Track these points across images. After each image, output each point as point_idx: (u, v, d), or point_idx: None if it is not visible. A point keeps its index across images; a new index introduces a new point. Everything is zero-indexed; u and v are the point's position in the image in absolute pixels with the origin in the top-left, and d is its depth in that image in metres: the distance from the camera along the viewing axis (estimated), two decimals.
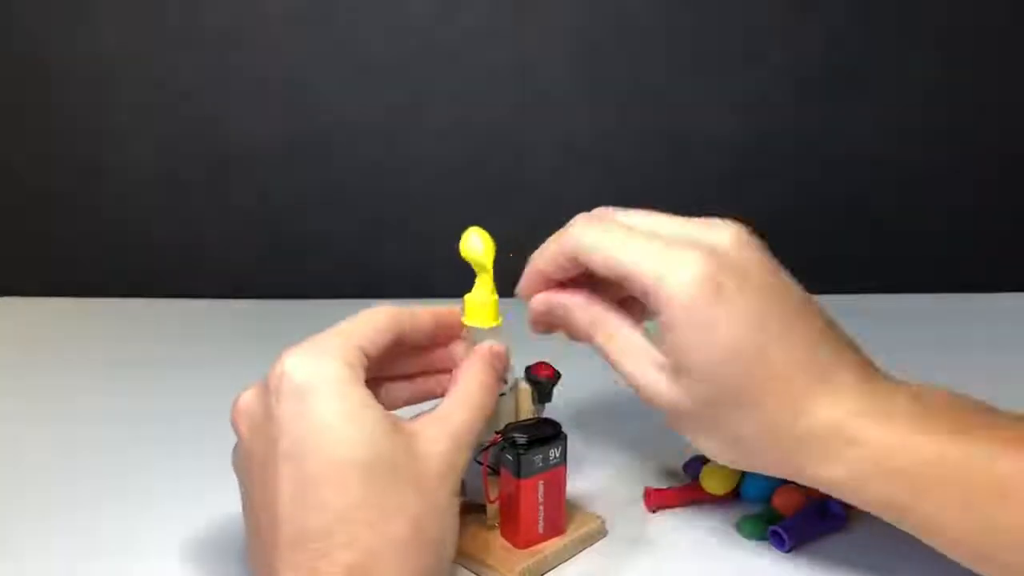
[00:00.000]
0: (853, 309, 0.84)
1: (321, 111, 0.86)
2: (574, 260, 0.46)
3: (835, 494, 0.44)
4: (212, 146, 0.88)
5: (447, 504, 0.41)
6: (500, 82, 0.86)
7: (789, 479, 0.45)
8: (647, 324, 0.48)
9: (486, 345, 0.47)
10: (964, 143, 0.88)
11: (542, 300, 0.49)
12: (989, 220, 0.90)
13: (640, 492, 0.54)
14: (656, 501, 0.53)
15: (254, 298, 0.88)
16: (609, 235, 0.45)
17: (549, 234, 0.48)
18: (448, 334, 0.49)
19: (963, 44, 0.85)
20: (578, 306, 0.48)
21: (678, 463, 0.57)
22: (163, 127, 0.87)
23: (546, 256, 0.48)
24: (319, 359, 0.40)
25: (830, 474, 0.43)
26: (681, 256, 0.43)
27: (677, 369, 0.44)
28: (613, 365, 0.47)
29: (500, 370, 0.47)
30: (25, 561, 0.49)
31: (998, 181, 0.89)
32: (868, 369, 0.45)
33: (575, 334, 0.49)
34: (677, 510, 0.53)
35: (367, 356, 0.42)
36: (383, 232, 0.89)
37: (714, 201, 0.90)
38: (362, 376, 0.41)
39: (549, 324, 0.50)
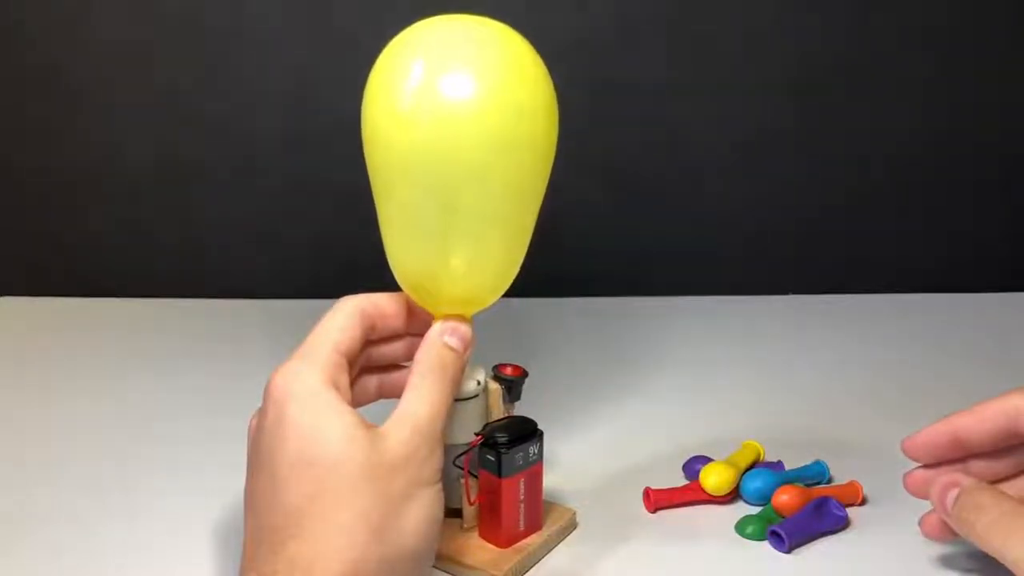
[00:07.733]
0: (853, 309, 0.85)
1: (321, 110, 0.86)
2: None
3: None
4: (212, 146, 0.87)
5: (401, 493, 0.41)
6: None
7: None
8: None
9: (437, 326, 0.46)
10: (964, 143, 0.88)
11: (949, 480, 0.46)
12: (989, 220, 0.90)
13: (639, 492, 0.54)
14: (656, 501, 0.53)
15: (254, 298, 0.87)
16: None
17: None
18: (424, 323, 0.48)
19: (963, 44, 0.85)
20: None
21: (678, 463, 0.57)
22: (163, 127, 0.87)
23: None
24: (296, 373, 0.42)
25: None
26: None
27: None
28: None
29: (458, 345, 0.46)
30: (25, 560, 0.49)
31: (998, 181, 0.89)
32: None
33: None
34: (677, 510, 0.53)
35: (347, 352, 0.44)
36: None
37: (714, 201, 0.91)
38: (342, 376, 0.43)
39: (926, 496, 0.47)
